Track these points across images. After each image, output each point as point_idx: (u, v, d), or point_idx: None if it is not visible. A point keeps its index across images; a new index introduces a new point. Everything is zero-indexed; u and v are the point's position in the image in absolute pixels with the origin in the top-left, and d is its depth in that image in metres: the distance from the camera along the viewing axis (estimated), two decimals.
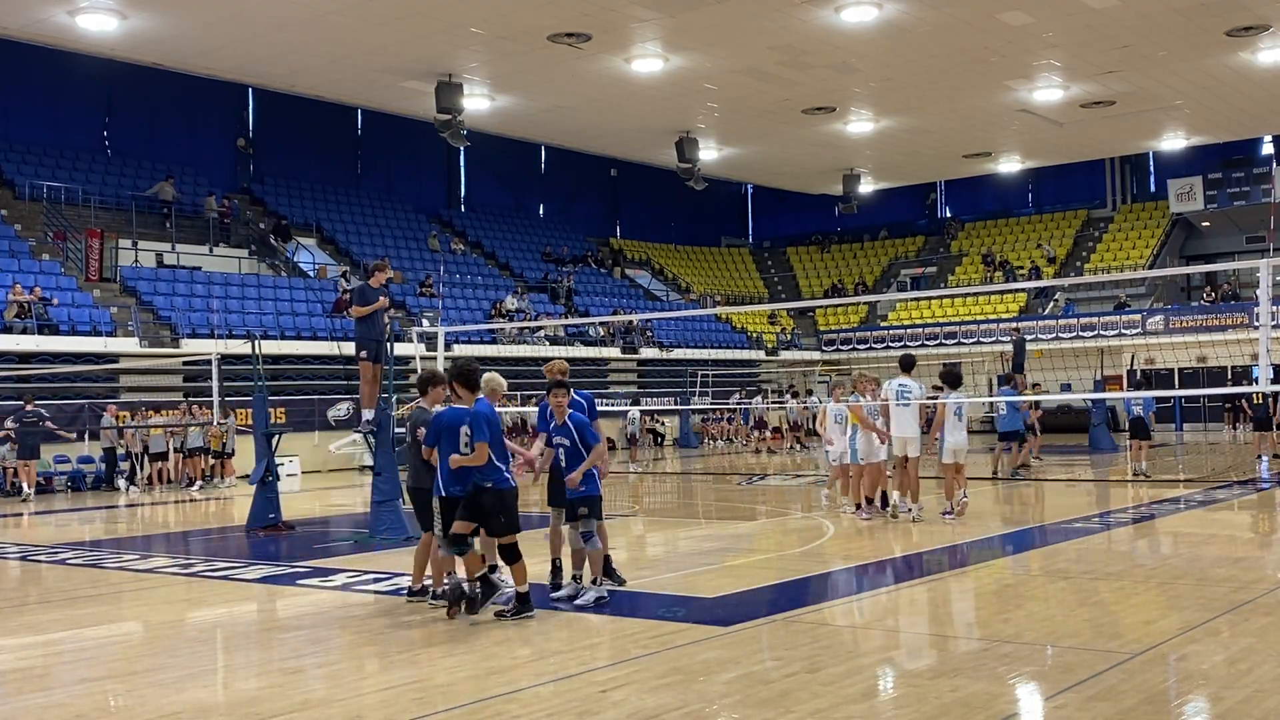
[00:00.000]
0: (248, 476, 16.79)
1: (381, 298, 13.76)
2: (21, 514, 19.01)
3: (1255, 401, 25.21)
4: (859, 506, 14.40)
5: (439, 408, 9.09)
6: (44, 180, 30.64)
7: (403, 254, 36.37)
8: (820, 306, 43.59)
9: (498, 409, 8.88)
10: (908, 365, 14.57)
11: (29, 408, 21.86)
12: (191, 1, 21.15)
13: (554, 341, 34.34)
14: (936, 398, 14.68)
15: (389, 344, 14.18)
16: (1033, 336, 35.45)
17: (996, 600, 9.56)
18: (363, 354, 13.83)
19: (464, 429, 8.46)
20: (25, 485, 21.40)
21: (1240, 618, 8.02)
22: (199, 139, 36.30)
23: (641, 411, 34.77)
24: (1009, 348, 28.66)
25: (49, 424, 22.06)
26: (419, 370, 17.51)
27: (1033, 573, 10.62)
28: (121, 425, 23.50)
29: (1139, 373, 32.42)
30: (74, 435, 23.19)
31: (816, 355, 42.75)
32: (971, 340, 37.55)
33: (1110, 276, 32.76)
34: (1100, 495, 18.01)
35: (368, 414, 14.07)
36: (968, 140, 34.26)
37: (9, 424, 21.74)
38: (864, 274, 47.55)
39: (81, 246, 28.21)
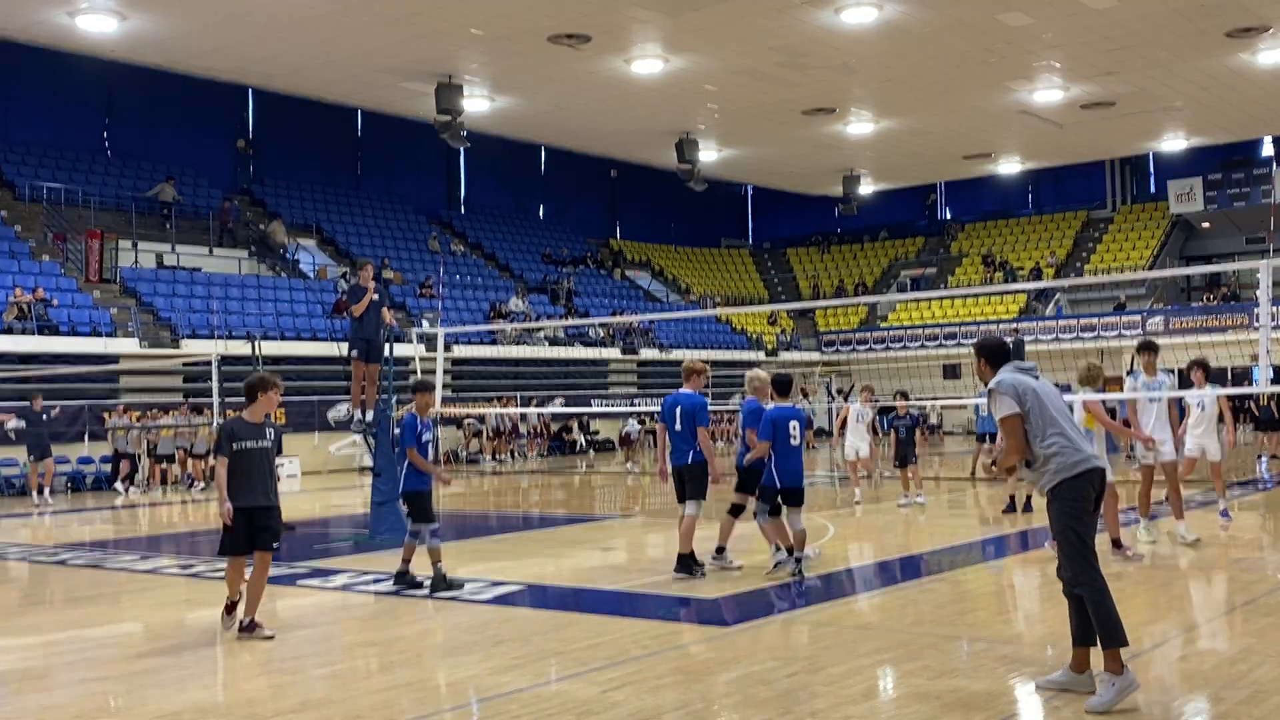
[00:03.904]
0: None
1: (370, 284, 13.77)
2: (31, 514, 18.98)
3: (1261, 403, 25.15)
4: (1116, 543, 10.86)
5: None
6: (44, 181, 30.62)
7: (403, 255, 36.37)
8: (820, 307, 43.55)
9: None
10: (1149, 348, 11.89)
11: (36, 407, 21.32)
12: (191, 2, 21.15)
13: (554, 343, 34.34)
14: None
15: (389, 344, 14.20)
16: (1032, 337, 35.42)
17: (996, 600, 9.57)
18: (353, 353, 13.87)
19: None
20: (45, 488, 20.77)
21: (1240, 618, 8.02)
22: (199, 139, 36.29)
23: (640, 413, 34.78)
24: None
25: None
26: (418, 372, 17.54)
27: (1032, 573, 10.61)
28: (133, 425, 23.40)
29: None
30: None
31: (816, 356, 42.75)
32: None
33: (1110, 277, 32.77)
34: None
35: (357, 413, 14.10)
36: (968, 141, 34.25)
37: (11, 425, 21.44)
38: (864, 275, 47.54)
39: (82, 247, 28.19)
